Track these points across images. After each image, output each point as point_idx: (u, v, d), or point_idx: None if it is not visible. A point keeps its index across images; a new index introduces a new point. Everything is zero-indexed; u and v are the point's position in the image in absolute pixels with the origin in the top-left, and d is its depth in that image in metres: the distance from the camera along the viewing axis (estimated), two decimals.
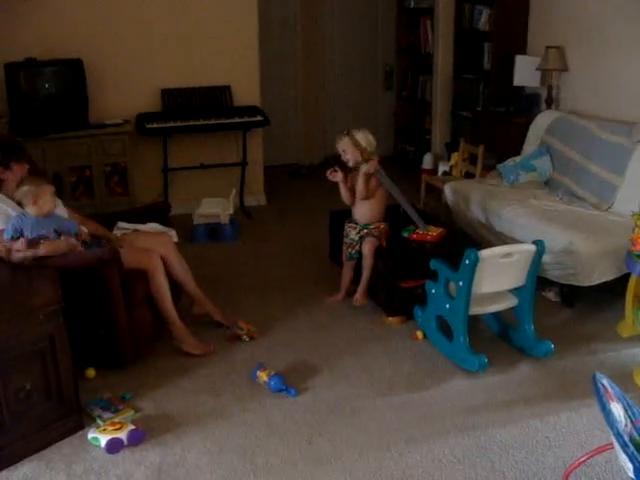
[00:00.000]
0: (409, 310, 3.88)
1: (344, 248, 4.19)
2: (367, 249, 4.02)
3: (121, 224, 3.91)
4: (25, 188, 3.31)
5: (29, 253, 3.22)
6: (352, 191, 4.12)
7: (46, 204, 3.33)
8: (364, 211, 4.12)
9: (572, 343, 3.67)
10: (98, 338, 3.38)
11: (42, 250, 3.26)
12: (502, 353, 3.58)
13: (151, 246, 3.68)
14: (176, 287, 3.76)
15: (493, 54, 5.98)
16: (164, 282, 3.57)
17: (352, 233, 4.14)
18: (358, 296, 4.09)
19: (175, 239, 3.90)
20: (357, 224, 4.15)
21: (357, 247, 4.11)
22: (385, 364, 3.52)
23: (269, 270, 4.78)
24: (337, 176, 4.08)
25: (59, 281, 2.86)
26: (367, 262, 4.03)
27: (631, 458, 2.04)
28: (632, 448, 2.04)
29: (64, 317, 2.87)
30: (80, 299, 3.20)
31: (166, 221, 4.10)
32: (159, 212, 4.19)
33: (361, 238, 4.09)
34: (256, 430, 3.00)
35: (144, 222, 3.96)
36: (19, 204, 3.35)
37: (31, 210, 3.30)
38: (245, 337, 3.76)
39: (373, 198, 4.09)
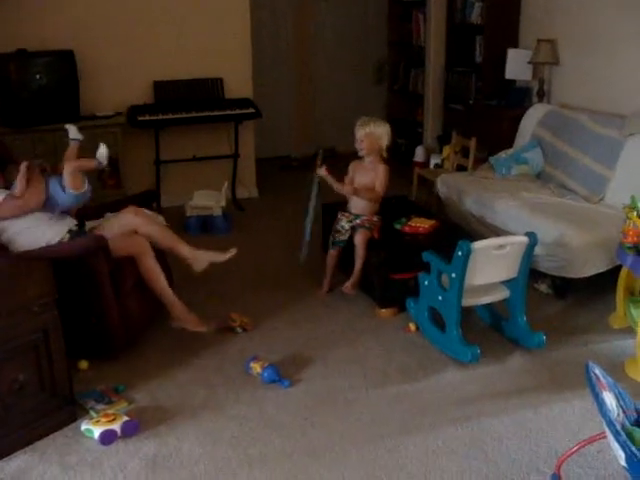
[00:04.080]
0: (402, 302, 3.89)
1: (332, 233, 4.19)
2: (359, 240, 4.03)
3: (108, 215, 3.90)
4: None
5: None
6: (351, 182, 4.13)
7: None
8: (359, 202, 4.13)
9: (564, 334, 3.70)
10: (89, 328, 3.38)
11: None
12: (495, 344, 3.60)
13: (128, 221, 3.69)
14: (168, 271, 3.75)
15: (485, 47, 6.00)
16: (154, 264, 3.57)
17: (343, 220, 4.15)
18: (348, 285, 4.10)
19: (106, 154, 3.83)
20: (350, 213, 4.15)
21: (345, 235, 4.12)
22: (378, 356, 3.54)
23: (262, 262, 4.78)
24: (322, 171, 4.08)
25: (52, 273, 2.85)
26: (359, 253, 4.03)
27: (623, 446, 2.06)
28: (624, 436, 2.07)
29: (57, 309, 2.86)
30: (69, 289, 3.18)
31: (154, 208, 4.09)
32: (147, 200, 4.17)
33: (352, 228, 4.10)
34: (250, 421, 3.01)
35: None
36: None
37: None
38: (238, 329, 3.76)
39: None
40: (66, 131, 3.84)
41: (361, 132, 4.07)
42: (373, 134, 4.06)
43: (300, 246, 4.37)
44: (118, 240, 3.52)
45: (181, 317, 3.63)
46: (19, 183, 3.46)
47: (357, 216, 4.12)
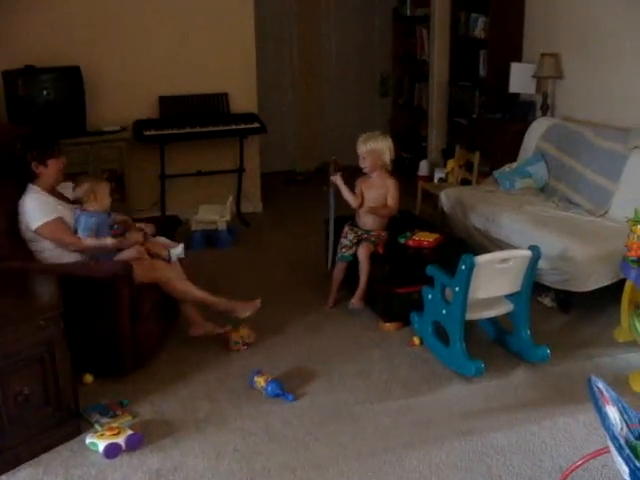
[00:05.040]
0: (406, 316, 3.89)
1: (338, 248, 4.19)
2: (361, 254, 4.03)
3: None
4: (86, 185, 3.57)
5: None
6: (361, 196, 4.14)
7: (105, 199, 3.60)
8: (368, 218, 4.14)
9: (568, 348, 3.69)
10: (99, 347, 3.39)
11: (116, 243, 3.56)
12: (498, 358, 3.60)
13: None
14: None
15: (489, 61, 6.02)
16: (181, 283, 3.66)
17: (351, 235, 4.16)
18: (354, 300, 4.10)
19: (182, 255, 3.84)
20: (359, 228, 4.16)
21: (352, 250, 4.12)
22: (382, 370, 3.54)
23: (266, 276, 4.79)
24: (337, 179, 4.10)
25: (59, 287, 2.87)
26: (363, 267, 4.04)
27: (626, 461, 2.05)
28: (627, 451, 2.05)
29: (64, 323, 2.88)
30: (87, 308, 3.23)
31: (174, 236, 4.10)
32: (169, 226, 4.20)
33: (359, 242, 4.11)
34: (254, 435, 3.01)
35: (153, 236, 3.96)
36: (78, 201, 3.57)
37: (92, 206, 3.56)
38: (239, 341, 3.75)
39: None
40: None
41: (362, 149, 4.08)
42: (375, 150, 4.08)
43: (326, 254, 4.37)
44: (144, 267, 3.53)
45: (229, 309, 3.72)
46: (97, 244, 3.46)
47: (366, 231, 4.13)
